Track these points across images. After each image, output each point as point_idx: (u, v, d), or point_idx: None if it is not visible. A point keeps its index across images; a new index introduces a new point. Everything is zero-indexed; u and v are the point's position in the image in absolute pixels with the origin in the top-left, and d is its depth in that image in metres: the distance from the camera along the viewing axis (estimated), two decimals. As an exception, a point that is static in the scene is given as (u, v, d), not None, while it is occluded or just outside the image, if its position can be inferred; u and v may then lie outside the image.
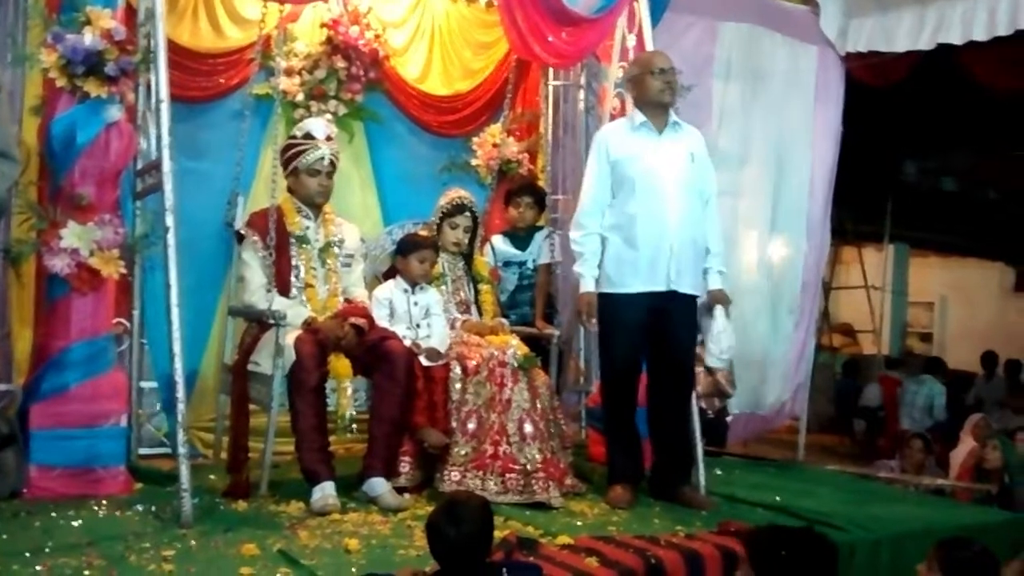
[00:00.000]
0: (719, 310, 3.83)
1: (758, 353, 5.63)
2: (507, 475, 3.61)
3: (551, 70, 5.15)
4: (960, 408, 8.55)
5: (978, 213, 10.82)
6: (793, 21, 5.68)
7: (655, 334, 3.77)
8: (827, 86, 5.77)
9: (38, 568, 2.59)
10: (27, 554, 2.69)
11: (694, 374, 3.95)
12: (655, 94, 3.76)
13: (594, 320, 3.79)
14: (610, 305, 3.77)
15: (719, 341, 3.83)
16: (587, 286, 3.79)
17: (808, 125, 5.71)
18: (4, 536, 2.89)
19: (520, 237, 4.67)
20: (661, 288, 3.71)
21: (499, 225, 4.88)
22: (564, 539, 3.11)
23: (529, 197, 4.68)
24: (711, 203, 3.87)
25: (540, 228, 4.71)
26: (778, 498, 4.01)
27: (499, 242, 4.67)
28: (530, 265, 4.64)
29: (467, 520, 2.35)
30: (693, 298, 3.81)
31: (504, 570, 2.48)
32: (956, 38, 5.12)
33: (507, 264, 4.65)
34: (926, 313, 13.84)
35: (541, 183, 5.01)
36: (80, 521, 3.08)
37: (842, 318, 12.15)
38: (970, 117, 7.56)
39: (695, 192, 3.78)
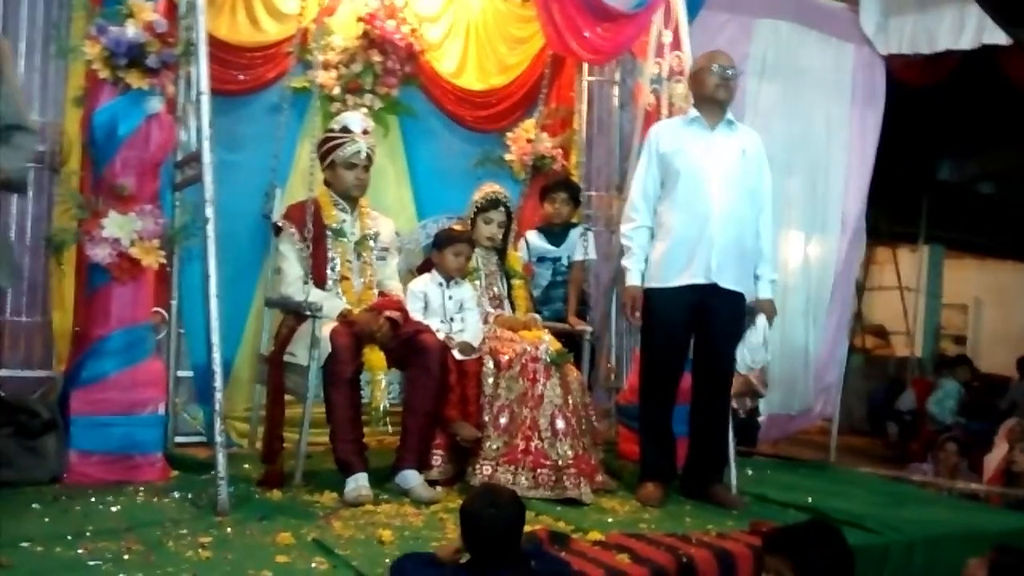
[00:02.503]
0: (761, 320, 3.84)
1: (793, 354, 5.59)
2: (538, 470, 3.62)
3: (586, 66, 5.15)
4: (995, 412, 8.44)
5: (1015, 215, 10.65)
6: (830, 19, 5.62)
7: (699, 331, 3.78)
8: (866, 85, 5.70)
9: (79, 552, 2.63)
10: (69, 537, 2.74)
11: (733, 374, 3.93)
12: (711, 90, 3.78)
13: (638, 314, 3.80)
14: (653, 300, 3.78)
15: (755, 352, 3.86)
16: (633, 279, 3.82)
17: (845, 124, 5.65)
18: (46, 519, 2.95)
19: (555, 233, 4.67)
20: (701, 280, 3.70)
21: (532, 220, 4.88)
22: (595, 535, 3.12)
23: (564, 193, 4.68)
24: (766, 208, 3.85)
25: (575, 224, 4.70)
26: (810, 499, 3.99)
27: (533, 237, 4.67)
28: (564, 261, 4.64)
29: (504, 504, 2.39)
30: (739, 296, 3.79)
31: (532, 562, 2.49)
32: (1001, 38, 5.04)
33: (541, 259, 4.65)
34: (960, 315, 13.64)
35: (575, 179, 5.01)
36: (119, 507, 3.13)
37: (875, 319, 12.03)
38: (1010, 118, 7.44)
39: (743, 189, 3.76)
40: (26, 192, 3.79)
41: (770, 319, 3.88)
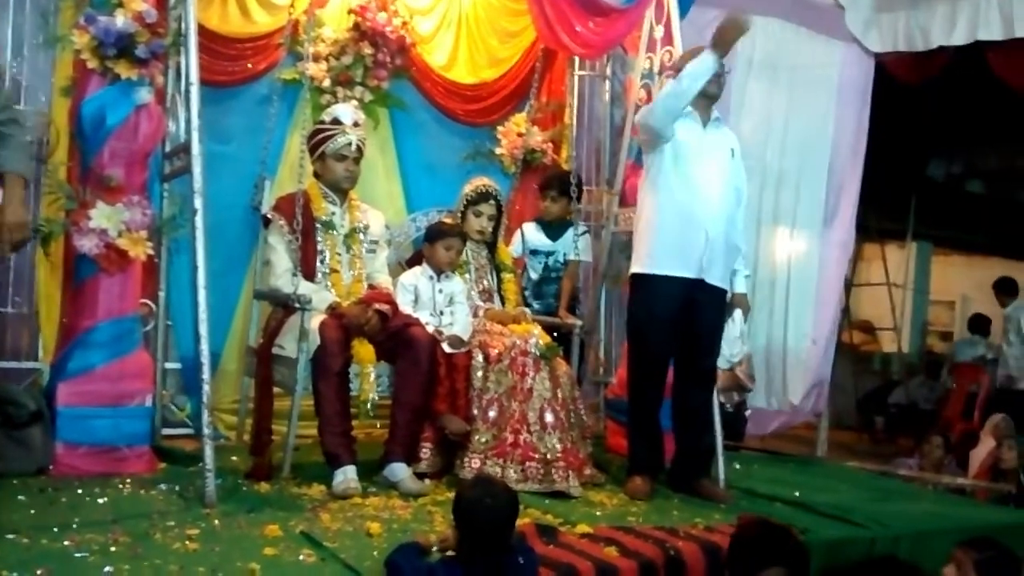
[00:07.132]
0: (738, 315, 3.98)
1: (778, 349, 5.61)
2: (527, 463, 3.62)
3: (577, 60, 5.15)
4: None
5: (1002, 212, 10.72)
6: (820, 16, 5.64)
7: (684, 327, 3.79)
8: (852, 82, 5.71)
9: (66, 543, 2.62)
10: (55, 529, 2.73)
11: (716, 368, 3.96)
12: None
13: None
14: (645, 287, 3.80)
15: (732, 346, 4.01)
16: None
17: (831, 121, 5.67)
18: (32, 511, 2.93)
19: (552, 227, 4.67)
20: (691, 275, 3.73)
21: (523, 214, 4.89)
22: (584, 528, 3.12)
23: (565, 191, 4.65)
24: (742, 203, 3.92)
25: (572, 223, 4.69)
26: (797, 493, 4.00)
27: (530, 230, 4.67)
28: (559, 257, 4.65)
29: (499, 495, 2.43)
30: (722, 292, 3.84)
31: (520, 558, 2.51)
32: (996, 33, 5.03)
33: (534, 252, 4.65)
34: (947, 312, 13.71)
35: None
36: (105, 498, 3.12)
37: (863, 315, 12.07)
38: (999, 117, 7.48)
39: (732, 188, 3.82)
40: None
41: (745, 313, 4.03)
